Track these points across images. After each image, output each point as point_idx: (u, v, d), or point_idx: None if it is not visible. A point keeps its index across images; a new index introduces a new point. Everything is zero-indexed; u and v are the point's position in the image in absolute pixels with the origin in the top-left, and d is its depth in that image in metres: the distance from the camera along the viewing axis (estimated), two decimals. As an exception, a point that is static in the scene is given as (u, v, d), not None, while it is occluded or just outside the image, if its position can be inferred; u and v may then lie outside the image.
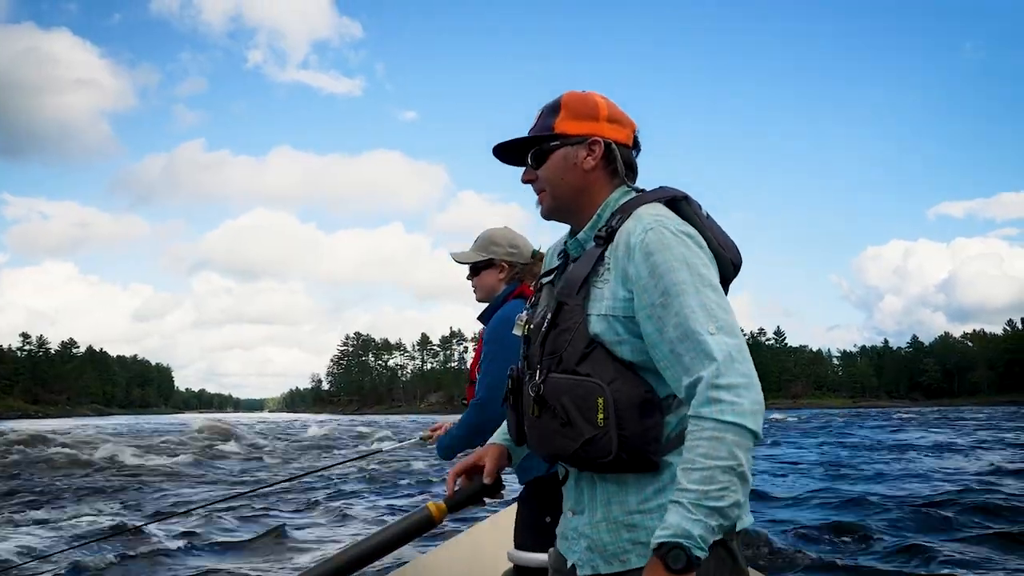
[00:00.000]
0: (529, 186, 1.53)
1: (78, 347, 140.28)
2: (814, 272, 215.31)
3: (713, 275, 1.32)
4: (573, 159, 1.46)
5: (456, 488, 1.61)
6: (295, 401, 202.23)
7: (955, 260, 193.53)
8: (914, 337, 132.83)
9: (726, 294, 1.41)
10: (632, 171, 1.51)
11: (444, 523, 1.57)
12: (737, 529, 1.31)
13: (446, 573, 3.63)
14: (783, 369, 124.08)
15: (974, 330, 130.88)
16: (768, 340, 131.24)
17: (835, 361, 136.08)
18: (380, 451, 4.37)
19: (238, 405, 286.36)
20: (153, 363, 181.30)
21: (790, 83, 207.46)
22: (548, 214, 1.52)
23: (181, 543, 7.10)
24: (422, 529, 1.58)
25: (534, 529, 2.31)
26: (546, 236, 1.45)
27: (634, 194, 1.47)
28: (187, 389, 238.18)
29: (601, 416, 1.29)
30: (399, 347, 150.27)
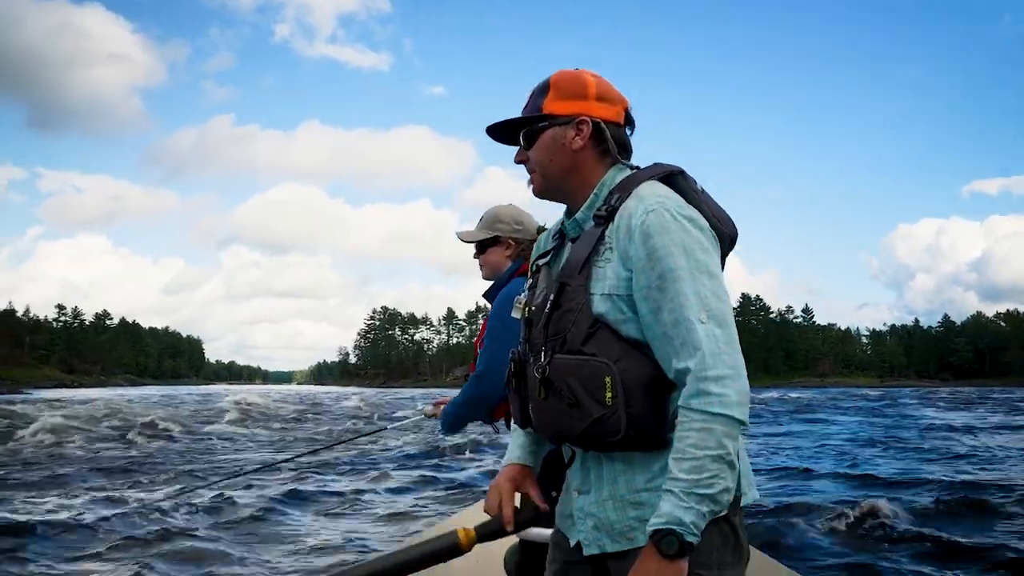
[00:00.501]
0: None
1: (111, 319, 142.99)
2: (844, 250, 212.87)
3: (712, 260, 1.31)
4: (561, 139, 1.45)
5: (490, 521, 1.53)
6: (322, 374, 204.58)
7: (988, 238, 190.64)
8: (945, 316, 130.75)
9: (723, 266, 1.42)
10: (624, 149, 1.48)
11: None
12: (742, 504, 1.36)
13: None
14: (810, 347, 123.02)
15: (1007, 310, 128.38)
16: (796, 318, 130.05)
17: (864, 340, 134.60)
18: (385, 428, 4.21)
19: (267, 377, 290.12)
20: (184, 335, 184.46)
21: (823, 59, 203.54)
22: (540, 194, 1.52)
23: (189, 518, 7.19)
24: (449, 555, 1.49)
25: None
26: (559, 213, 1.44)
27: (629, 172, 1.45)
28: (217, 361, 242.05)
29: (609, 395, 1.29)
30: (425, 321, 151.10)
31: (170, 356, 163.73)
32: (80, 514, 7.19)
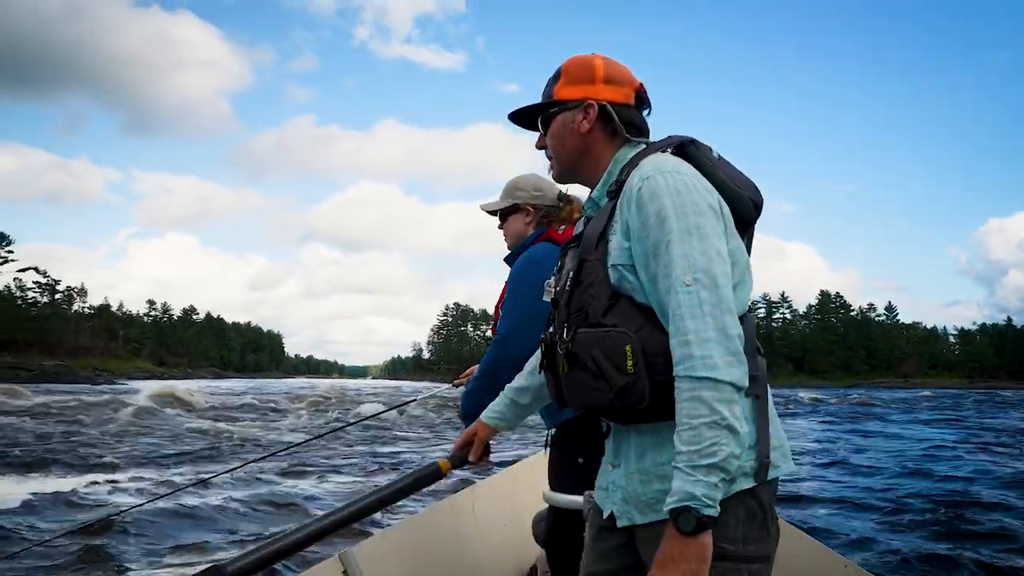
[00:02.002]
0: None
1: (198, 314, 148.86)
2: (930, 245, 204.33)
3: (706, 222, 1.30)
4: (571, 123, 1.49)
5: (458, 452, 1.86)
6: (396, 369, 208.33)
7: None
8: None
9: (751, 236, 1.47)
10: (635, 128, 1.50)
11: (452, 474, 1.90)
12: (769, 478, 1.32)
13: (485, 512, 3.61)
14: (894, 347, 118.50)
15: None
16: (879, 316, 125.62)
17: (951, 339, 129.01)
18: (415, 400, 4.19)
19: (343, 371, 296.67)
20: (265, 330, 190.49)
21: (907, 47, 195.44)
22: (559, 177, 1.58)
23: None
24: (432, 479, 1.85)
25: (568, 470, 2.31)
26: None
27: (642, 147, 1.48)
28: (296, 355, 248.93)
29: (631, 363, 1.28)
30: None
31: (252, 350, 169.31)
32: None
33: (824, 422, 22.02)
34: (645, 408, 1.30)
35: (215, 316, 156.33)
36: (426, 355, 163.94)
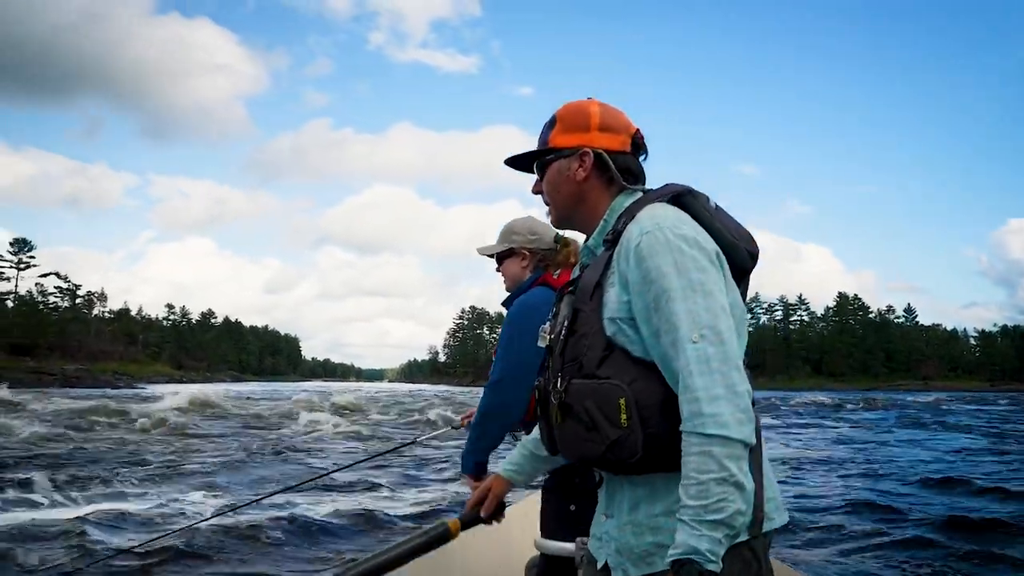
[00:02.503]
0: None
1: (216, 317, 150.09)
2: (948, 246, 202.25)
3: (708, 278, 1.30)
4: (566, 171, 1.50)
5: (471, 511, 1.81)
6: (412, 372, 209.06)
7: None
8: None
9: (746, 285, 1.48)
10: (632, 175, 1.51)
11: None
12: (764, 530, 1.32)
13: (474, 558, 3.54)
14: (912, 348, 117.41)
15: None
16: (897, 318, 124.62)
17: (972, 341, 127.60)
18: (414, 442, 4.20)
19: (359, 375, 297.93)
20: (282, 333, 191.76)
21: (920, 42, 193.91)
22: (556, 223, 1.58)
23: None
24: (440, 542, 1.75)
25: (560, 517, 2.32)
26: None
27: (640, 195, 1.47)
28: (313, 358, 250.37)
29: (624, 417, 1.29)
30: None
31: (270, 354, 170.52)
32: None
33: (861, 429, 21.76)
34: (638, 460, 1.31)
35: (232, 320, 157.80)
36: (442, 358, 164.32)
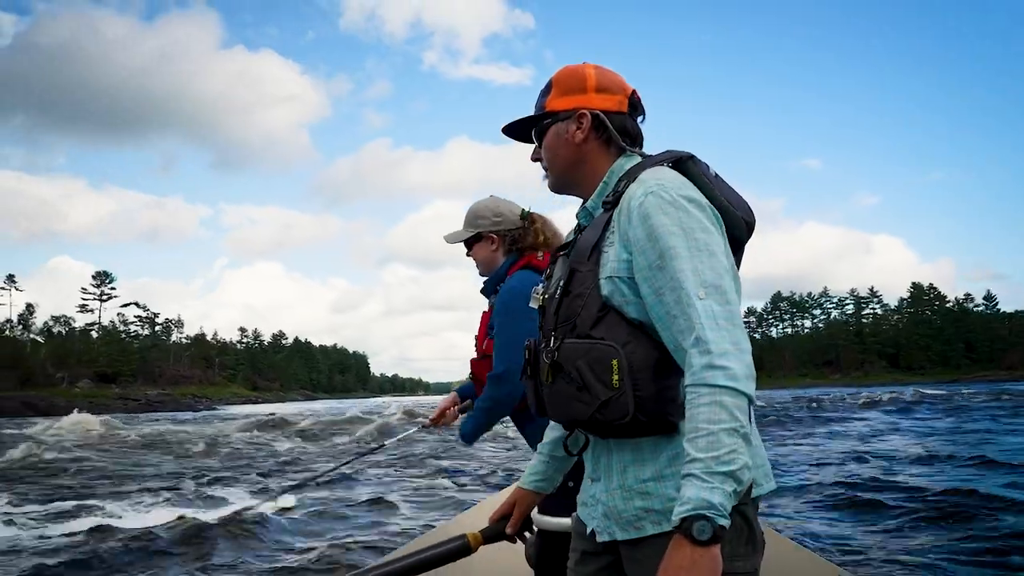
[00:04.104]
0: None
1: (286, 338, 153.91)
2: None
3: (712, 240, 1.30)
4: (564, 134, 1.48)
5: (494, 524, 1.72)
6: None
7: None
8: None
9: (741, 255, 1.45)
10: (630, 136, 1.49)
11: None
12: (753, 495, 1.31)
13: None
14: (995, 338, 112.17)
15: None
16: (977, 306, 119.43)
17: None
18: (383, 446, 4.00)
19: (428, 388, 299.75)
20: (351, 351, 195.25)
21: (990, 20, 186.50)
22: (554, 188, 1.55)
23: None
24: (459, 555, 1.66)
25: (557, 493, 2.25)
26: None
27: (639, 159, 1.47)
28: (382, 374, 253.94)
29: (616, 378, 1.28)
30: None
31: (339, 371, 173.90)
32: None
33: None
34: (627, 423, 1.30)
35: (303, 340, 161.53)
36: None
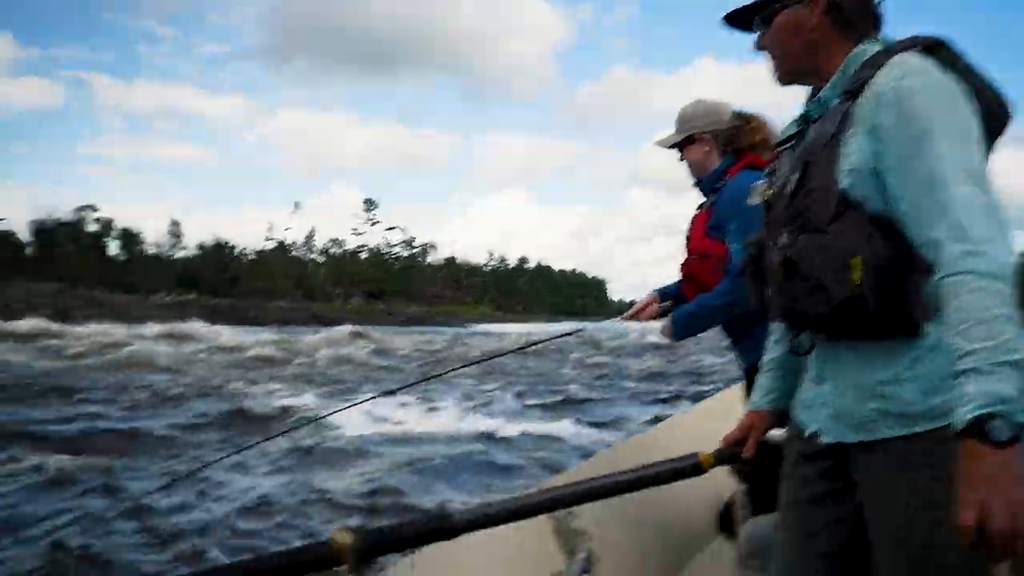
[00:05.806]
0: None
1: (529, 263, 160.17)
2: None
3: (972, 127, 1.19)
4: (795, 18, 1.35)
5: (728, 447, 1.54)
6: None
7: None
8: None
9: (993, 148, 1.31)
10: (867, 19, 1.36)
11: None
12: None
13: (675, 449, 3.22)
14: None
15: None
16: None
17: None
18: (582, 330, 4.00)
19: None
20: (590, 276, 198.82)
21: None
22: (783, 79, 1.43)
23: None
24: (689, 474, 1.52)
25: None
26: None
27: (880, 46, 1.32)
28: (620, 300, 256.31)
29: (856, 275, 1.19)
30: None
31: (579, 296, 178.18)
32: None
33: None
34: (867, 323, 1.22)
35: (544, 264, 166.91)
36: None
